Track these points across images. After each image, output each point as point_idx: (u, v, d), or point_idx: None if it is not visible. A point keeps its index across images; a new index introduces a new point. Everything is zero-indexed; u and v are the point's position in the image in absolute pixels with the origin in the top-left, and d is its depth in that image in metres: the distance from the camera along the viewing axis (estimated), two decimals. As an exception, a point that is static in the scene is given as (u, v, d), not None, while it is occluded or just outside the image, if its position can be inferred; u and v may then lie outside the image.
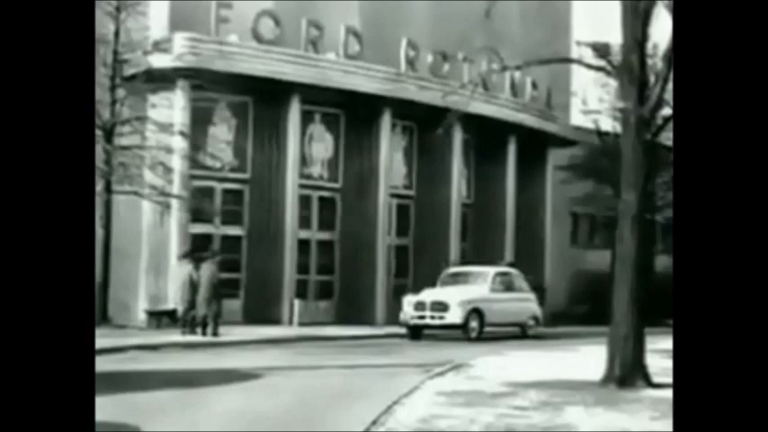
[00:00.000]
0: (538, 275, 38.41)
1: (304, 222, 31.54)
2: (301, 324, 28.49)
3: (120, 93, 26.65)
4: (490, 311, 26.85)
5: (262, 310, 29.67)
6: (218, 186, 30.56)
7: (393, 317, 30.07)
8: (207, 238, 29.40)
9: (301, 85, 30.08)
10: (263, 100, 30.69)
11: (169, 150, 27.14)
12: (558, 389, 12.94)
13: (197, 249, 26.77)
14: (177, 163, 27.48)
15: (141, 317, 27.78)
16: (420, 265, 34.11)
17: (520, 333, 28.40)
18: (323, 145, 32.87)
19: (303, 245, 31.31)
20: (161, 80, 27.82)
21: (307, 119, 31.83)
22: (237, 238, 30.66)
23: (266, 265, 30.03)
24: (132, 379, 14.61)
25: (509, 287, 28.78)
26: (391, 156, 33.42)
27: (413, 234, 35.12)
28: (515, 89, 36.15)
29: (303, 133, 31.63)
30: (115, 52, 26.65)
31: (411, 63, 33.05)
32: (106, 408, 11.37)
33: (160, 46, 27.88)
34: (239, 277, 30.34)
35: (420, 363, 17.49)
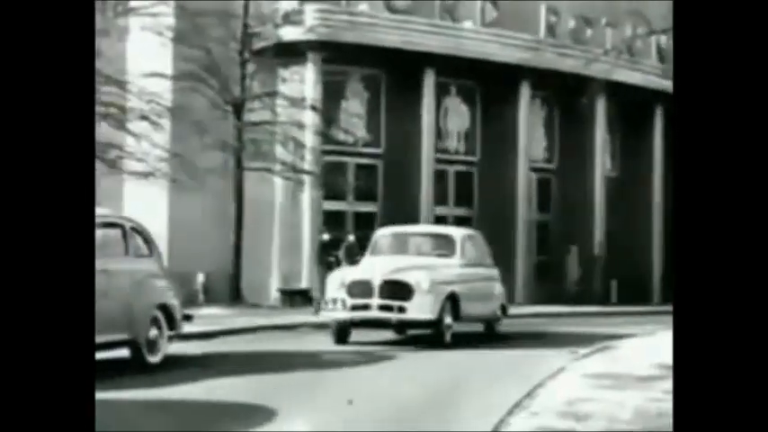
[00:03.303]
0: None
1: (440, 198, 31.52)
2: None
3: (250, 67, 27.01)
4: (465, 300, 17.52)
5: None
6: (351, 162, 30.77)
7: (533, 296, 29.95)
8: (340, 215, 29.66)
9: (436, 56, 30.02)
10: (396, 72, 30.73)
11: (301, 125, 27.43)
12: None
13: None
14: (309, 138, 27.75)
15: (274, 296, 28.27)
16: (563, 243, 33.80)
17: (485, 331, 19.35)
18: (459, 117, 32.78)
19: (439, 222, 31.31)
20: (292, 54, 28.13)
21: (442, 91, 31.76)
22: (371, 215, 30.84)
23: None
24: (265, 359, 14.84)
25: (479, 260, 19.34)
26: (531, 128, 33.12)
27: (554, 210, 34.79)
28: (662, 55, 35.37)
29: (438, 106, 31.59)
30: (245, 26, 26.99)
31: (551, 29, 32.67)
32: (241, 389, 11.59)
33: (290, 18, 28.16)
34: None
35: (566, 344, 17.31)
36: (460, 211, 32.72)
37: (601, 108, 33.91)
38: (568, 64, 30.51)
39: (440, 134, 31.97)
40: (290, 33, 28.06)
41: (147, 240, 14.28)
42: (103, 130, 24.47)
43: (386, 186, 31.06)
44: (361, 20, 29.00)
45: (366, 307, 16.68)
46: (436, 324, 16.76)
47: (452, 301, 17.07)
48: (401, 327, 17.66)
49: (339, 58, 28.59)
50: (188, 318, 14.83)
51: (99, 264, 12.79)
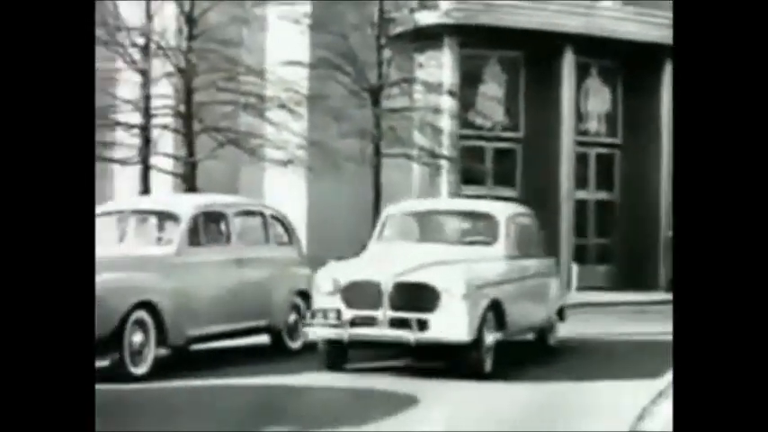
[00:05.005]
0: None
1: (580, 182, 31.32)
2: (579, 289, 28.41)
3: (387, 54, 27.23)
4: (513, 307, 12.71)
5: (537, 276, 29.74)
6: (489, 146, 30.82)
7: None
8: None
9: (575, 37, 29.79)
10: (535, 54, 30.62)
11: (438, 111, 27.58)
12: None
13: None
14: (446, 123, 27.88)
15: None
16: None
17: (535, 340, 14.94)
18: (599, 99, 32.48)
19: (580, 206, 31.13)
20: (428, 38, 28.31)
21: (582, 72, 31.50)
22: (510, 200, 30.84)
23: (541, 228, 29.96)
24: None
25: (530, 248, 14.64)
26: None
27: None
28: (814, 30, 34.46)
29: (578, 88, 31.35)
30: (381, 11, 27.22)
31: (694, 7, 32.11)
32: (377, 376, 11.85)
33: (427, 2, 28.31)
34: (512, 241, 30.42)
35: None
36: (602, 195, 32.47)
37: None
38: (712, 42, 29.93)
39: (580, 116, 31.73)
40: (426, 18, 28.22)
41: (287, 228, 14.71)
42: (244, 120, 25.11)
43: (525, 170, 31.00)
44: (497, 2, 28.98)
45: (371, 321, 11.79)
46: (474, 347, 11.68)
47: (495, 310, 12.17)
48: (420, 351, 12.17)
49: (476, 41, 28.63)
50: (327, 304, 15.12)
51: (237, 252, 13.28)
